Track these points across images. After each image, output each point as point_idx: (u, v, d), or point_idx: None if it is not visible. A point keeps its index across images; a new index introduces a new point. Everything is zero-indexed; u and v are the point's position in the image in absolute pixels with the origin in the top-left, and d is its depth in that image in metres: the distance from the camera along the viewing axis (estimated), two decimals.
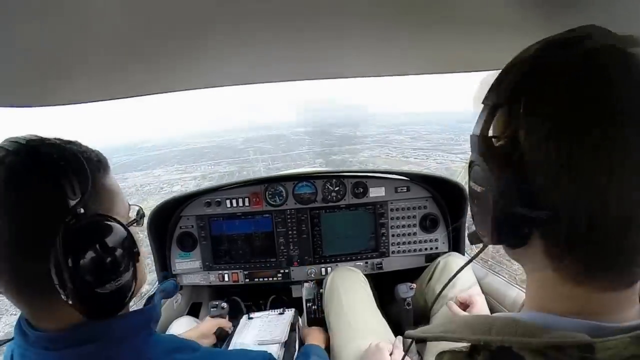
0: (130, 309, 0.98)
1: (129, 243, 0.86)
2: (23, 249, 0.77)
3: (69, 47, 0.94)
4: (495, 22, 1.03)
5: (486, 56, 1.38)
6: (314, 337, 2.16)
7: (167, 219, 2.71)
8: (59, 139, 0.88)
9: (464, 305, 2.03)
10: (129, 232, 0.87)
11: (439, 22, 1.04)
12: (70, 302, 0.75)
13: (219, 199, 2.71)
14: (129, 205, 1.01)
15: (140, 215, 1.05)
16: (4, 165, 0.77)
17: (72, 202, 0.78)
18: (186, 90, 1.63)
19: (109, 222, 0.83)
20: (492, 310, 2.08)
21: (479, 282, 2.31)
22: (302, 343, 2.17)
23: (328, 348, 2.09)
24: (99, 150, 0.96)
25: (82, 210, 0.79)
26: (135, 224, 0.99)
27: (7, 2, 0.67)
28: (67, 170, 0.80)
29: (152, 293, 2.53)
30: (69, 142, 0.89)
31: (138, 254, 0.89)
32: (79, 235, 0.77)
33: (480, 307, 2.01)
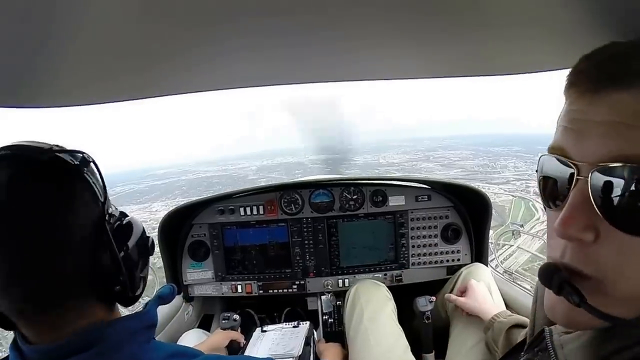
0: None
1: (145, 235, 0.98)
2: (65, 253, 0.80)
3: (67, 48, 0.91)
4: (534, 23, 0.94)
5: (524, 59, 1.29)
6: (330, 353, 2.12)
7: (178, 227, 2.64)
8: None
9: (463, 293, 2.15)
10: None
11: (468, 23, 0.96)
12: (120, 289, 0.87)
13: (233, 207, 2.64)
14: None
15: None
16: (45, 178, 0.81)
17: (102, 205, 0.86)
18: (188, 93, 1.56)
19: (128, 218, 0.95)
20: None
21: (503, 294, 2.24)
22: (317, 358, 2.13)
23: None
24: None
25: (110, 210, 0.89)
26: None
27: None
28: (94, 174, 0.88)
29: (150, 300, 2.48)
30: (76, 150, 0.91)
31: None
32: (119, 231, 0.89)
33: (474, 287, 2.11)
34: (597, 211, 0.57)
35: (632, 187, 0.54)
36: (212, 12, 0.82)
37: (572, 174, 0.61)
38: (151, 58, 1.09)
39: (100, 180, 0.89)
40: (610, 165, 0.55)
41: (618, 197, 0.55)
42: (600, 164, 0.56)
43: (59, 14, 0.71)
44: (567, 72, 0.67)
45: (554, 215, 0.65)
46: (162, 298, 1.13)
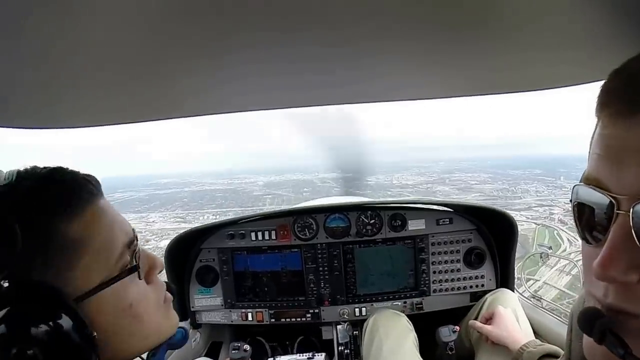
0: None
1: (69, 327, 0.70)
2: None
3: (65, 70, 0.90)
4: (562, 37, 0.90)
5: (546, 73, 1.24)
6: None
7: (186, 251, 2.55)
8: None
9: (489, 321, 2.06)
10: (71, 312, 0.70)
11: (490, 37, 0.92)
12: None
13: (243, 231, 2.54)
14: (132, 249, 0.84)
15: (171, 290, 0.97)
16: None
17: None
18: (199, 115, 1.53)
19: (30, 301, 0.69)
20: None
21: (531, 322, 2.13)
22: None
23: None
24: (83, 177, 0.82)
25: (5, 283, 0.66)
26: (122, 278, 0.81)
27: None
28: None
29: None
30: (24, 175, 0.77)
31: (89, 337, 0.72)
32: None
33: (502, 314, 2.01)
34: None
35: None
36: (225, 34, 0.79)
37: (611, 208, 0.54)
38: (161, 81, 1.07)
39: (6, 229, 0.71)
40: None
41: None
42: None
43: (59, 37, 0.71)
44: (596, 85, 0.60)
45: (592, 251, 0.58)
46: (172, 344, 1.04)
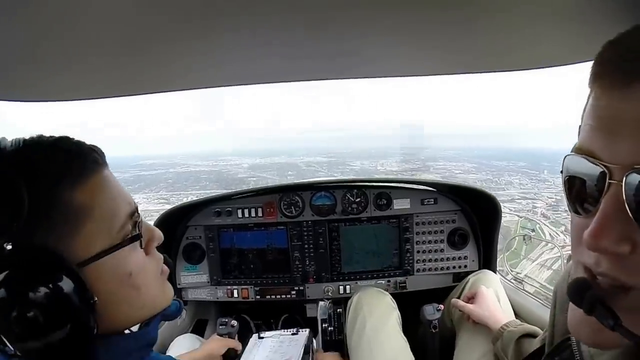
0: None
1: (71, 290, 0.72)
2: None
3: (56, 43, 0.90)
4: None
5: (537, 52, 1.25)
6: None
7: (173, 228, 2.55)
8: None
9: (471, 300, 2.09)
10: (73, 275, 0.72)
11: (480, 16, 0.92)
12: None
13: (230, 209, 2.54)
14: (133, 219, 0.86)
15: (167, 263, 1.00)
16: None
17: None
18: (197, 88, 1.53)
19: (34, 264, 0.70)
20: None
21: (512, 303, 2.17)
22: None
23: None
24: (88, 147, 0.84)
25: (8, 246, 0.67)
26: (124, 247, 0.83)
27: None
28: None
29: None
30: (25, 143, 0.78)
31: (90, 302, 0.74)
32: None
33: (484, 294, 2.04)
34: (634, 220, 0.51)
35: None
36: (218, 10, 0.80)
37: (603, 177, 0.55)
38: (149, 55, 1.07)
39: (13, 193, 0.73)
40: None
41: None
42: (637, 166, 0.50)
43: (51, 11, 0.70)
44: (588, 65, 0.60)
45: (583, 222, 0.59)
46: (167, 316, 1.06)
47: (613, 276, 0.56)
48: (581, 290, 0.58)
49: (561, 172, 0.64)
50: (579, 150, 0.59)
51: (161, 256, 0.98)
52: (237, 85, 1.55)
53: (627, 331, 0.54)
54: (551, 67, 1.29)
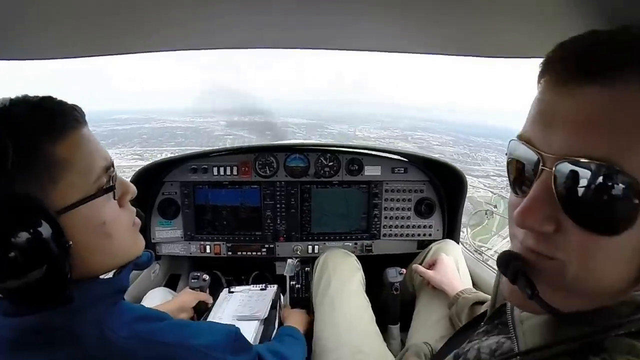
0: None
1: (49, 235, 0.78)
2: None
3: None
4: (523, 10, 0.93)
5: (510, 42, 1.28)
6: (293, 319, 2.11)
7: (149, 183, 2.57)
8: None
9: (432, 267, 2.17)
10: (51, 221, 0.79)
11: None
12: None
13: (206, 166, 2.58)
14: (108, 173, 0.94)
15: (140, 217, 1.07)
16: None
17: None
18: (178, 49, 1.53)
19: (14, 210, 0.77)
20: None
21: (471, 273, 2.27)
22: (281, 323, 2.12)
23: (310, 331, 2.05)
24: (70, 106, 0.90)
25: None
26: (98, 197, 0.90)
27: None
28: None
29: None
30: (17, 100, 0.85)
31: (65, 246, 0.81)
32: None
33: (444, 262, 2.13)
34: (559, 204, 0.58)
35: (595, 185, 0.55)
36: None
37: (537, 164, 0.61)
38: (134, 13, 1.05)
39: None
40: (575, 160, 0.56)
41: (580, 193, 0.56)
42: (565, 158, 0.57)
43: None
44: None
45: (518, 201, 0.65)
46: (138, 265, 1.12)
47: (537, 249, 0.63)
48: (507, 261, 0.66)
49: (506, 154, 0.71)
50: (521, 137, 0.65)
51: (134, 209, 1.05)
52: (219, 48, 1.53)
53: (542, 301, 0.61)
54: (521, 57, 1.31)
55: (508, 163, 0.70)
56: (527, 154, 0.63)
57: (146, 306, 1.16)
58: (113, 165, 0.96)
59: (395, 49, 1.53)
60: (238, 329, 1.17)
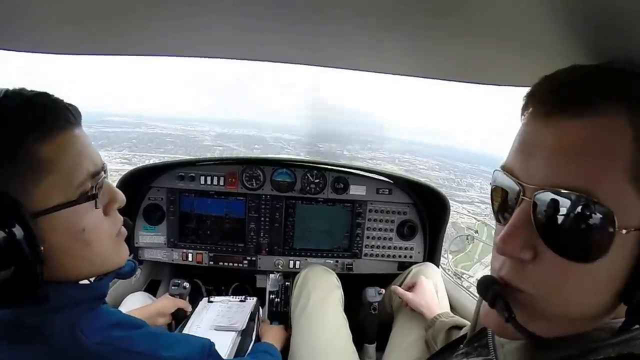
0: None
1: (21, 237, 0.77)
2: None
3: None
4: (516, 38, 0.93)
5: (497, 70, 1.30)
6: (271, 335, 2.11)
7: (136, 187, 2.58)
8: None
9: (411, 289, 2.17)
10: (24, 223, 0.77)
11: (454, 28, 0.95)
12: None
13: (193, 174, 2.59)
14: (96, 179, 0.91)
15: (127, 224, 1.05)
16: None
17: None
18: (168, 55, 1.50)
19: None
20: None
21: (450, 297, 2.28)
22: (259, 338, 2.12)
23: (287, 347, 2.04)
24: (64, 105, 0.89)
25: None
26: (79, 203, 0.88)
27: None
28: None
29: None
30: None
31: (37, 249, 0.80)
32: None
33: (424, 285, 2.13)
34: (537, 232, 0.60)
35: (572, 214, 0.57)
36: None
37: (518, 193, 0.63)
38: (134, 17, 1.04)
39: None
40: (553, 190, 0.58)
41: (557, 222, 0.58)
42: (544, 188, 0.59)
43: None
44: None
45: (500, 229, 0.67)
46: (121, 274, 1.12)
47: (508, 280, 0.65)
48: (487, 285, 0.67)
49: (490, 184, 0.73)
50: (504, 167, 0.68)
51: (121, 218, 1.02)
52: (207, 57, 1.53)
53: (519, 325, 0.62)
54: (515, 86, 1.30)
55: (492, 191, 0.72)
56: (509, 183, 0.66)
57: (124, 310, 1.15)
58: (104, 171, 0.94)
59: (382, 69, 1.53)
60: (213, 343, 1.17)
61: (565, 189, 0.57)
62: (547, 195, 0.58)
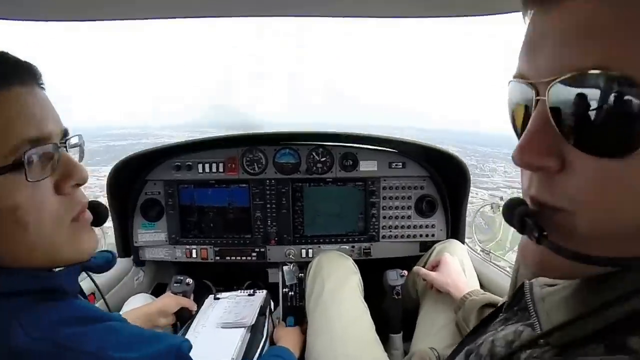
0: None
1: None
2: None
3: None
4: None
5: None
6: (287, 339, 1.97)
7: (130, 181, 2.43)
8: None
9: (435, 268, 2.03)
10: None
11: None
12: None
13: (190, 163, 2.44)
14: (39, 148, 0.76)
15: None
16: None
17: None
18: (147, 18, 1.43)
19: None
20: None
21: (479, 275, 2.11)
22: (271, 338, 2.01)
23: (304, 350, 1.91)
24: (14, 60, 0.78)
25: None
26: (4, 173, 0.72)
27: None
28: None
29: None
30: None
31: None
32: None
33: (448, 261, 1.99)
34: (559, 133, 0.50)
35: (594, 97, 0.46)
36: None
37: (532, 96, 0.54)
38: None
39: None
40: (566, 77, 0.48)
41: (580, 114, 0.48)
42: (558, 77, 0.49)
43: None
44: None
45: None
46: (92, 268, 0.97)
47: (541, 199, 0.55)
48: (512, 208, 0.58)
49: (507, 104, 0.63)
50: (514, 76, 0.58)
51: (85, 200, 0.87)
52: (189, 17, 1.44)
53: (551, 243, 0.52)
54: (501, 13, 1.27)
55: (510, 112, 0.62)
56: (520, 89, 0.56)
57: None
58: (54, 141, 0.79)
59: (367, 13, 1.45)
60: (187, 345, 0.96)
61: (579, 71, 0.46)
62: (561, 85, 0.48)
